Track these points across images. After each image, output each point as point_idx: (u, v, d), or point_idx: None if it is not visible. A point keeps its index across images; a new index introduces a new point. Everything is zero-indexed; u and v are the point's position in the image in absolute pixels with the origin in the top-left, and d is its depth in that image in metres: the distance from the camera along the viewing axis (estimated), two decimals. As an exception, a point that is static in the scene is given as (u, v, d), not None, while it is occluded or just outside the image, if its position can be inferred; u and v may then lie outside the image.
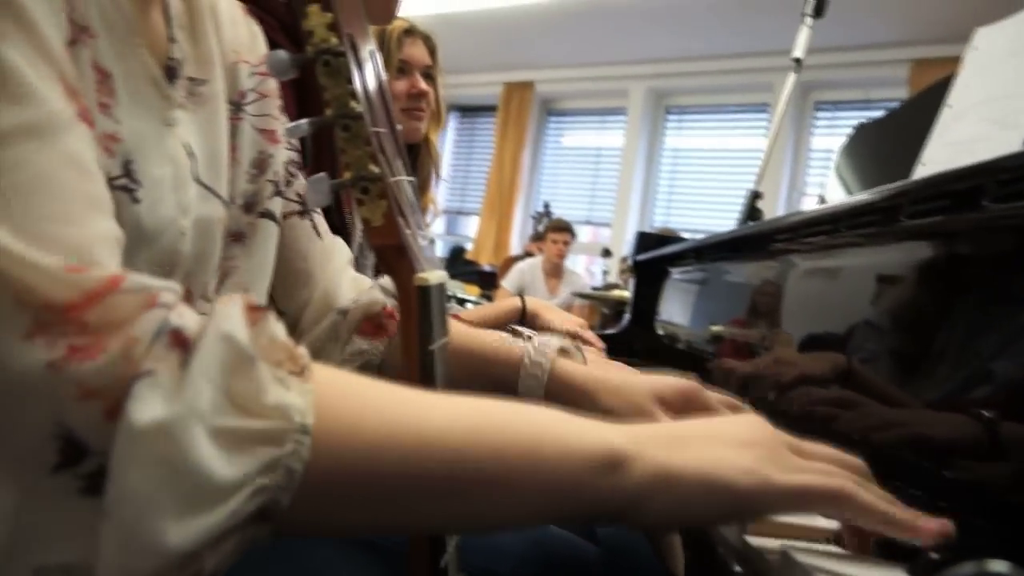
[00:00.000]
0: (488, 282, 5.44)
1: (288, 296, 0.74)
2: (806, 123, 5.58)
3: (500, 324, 1.20)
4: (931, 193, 0.65)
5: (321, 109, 0.44)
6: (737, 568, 0.59)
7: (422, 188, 1.55)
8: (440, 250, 6.91)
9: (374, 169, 0.43)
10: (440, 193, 5.02)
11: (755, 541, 0.57)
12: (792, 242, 0.95)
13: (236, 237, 0.67)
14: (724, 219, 5.91)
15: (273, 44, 0.86)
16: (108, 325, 0.33)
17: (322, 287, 0.75)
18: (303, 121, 0.43)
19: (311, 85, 0.44)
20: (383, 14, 1.01)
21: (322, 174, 0.43)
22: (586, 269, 6.79)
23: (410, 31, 1.54)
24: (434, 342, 0.46)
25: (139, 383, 0.32)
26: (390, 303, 0.73)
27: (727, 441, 0.43)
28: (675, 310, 1.46)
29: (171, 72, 0.59)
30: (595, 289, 5.18)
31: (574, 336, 1.19)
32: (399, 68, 1.50)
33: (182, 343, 0.34)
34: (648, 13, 5.11)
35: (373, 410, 0.37)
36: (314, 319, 0.74)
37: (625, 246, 6.09)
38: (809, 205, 5.84)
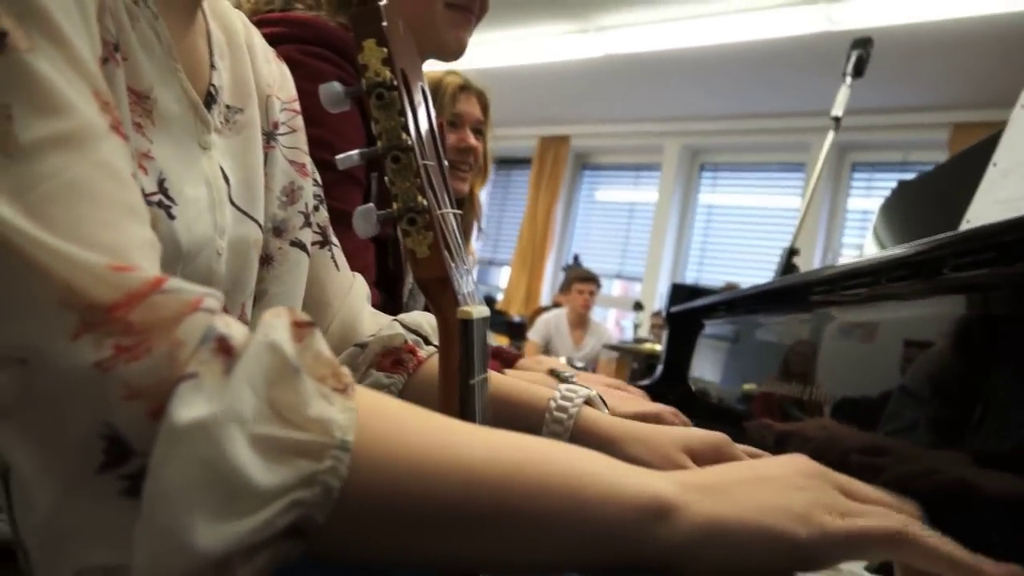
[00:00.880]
0: (518, 333, 5.44)
1: None
2: (843, 183, 5.57)
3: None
4: (977, 245, 0.64)
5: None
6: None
7: (465, 240, 1.57)
8: (471, 299, 6.91)
9: (422, 201, 0.43)
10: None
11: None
12: (831, 294, 0.94)
13: (264, 260, 0.69)
14: (757, 277, 5.87)
15: (343, 83, 0.88)
16: (153, 325, 0.33)
17: (340, 319, 0.76)
18: (354, 152, 0.43)
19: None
20: (455, 48, 1.04)
21: (370, 204, 0.44)
22: (616, 323, 6.76)
23: (465, 87, 1.58)
24: (474, 376, 0.45)
25: (183, 385, 0.32)
26: (410, 339, 0.72)
27: (776, 485, 0.41)
28: (708, 365, 1.44)
29: (210, 97, 0.61)
30: (625, 343, 5.15)
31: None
32: (451, 122, 1.53)
33: (227, 350, 0.34)
34: (684, 71, 5.17)
35: (414, 434, 0.37)
36: (333, 350, 0.74)
37: (657, 301, 6.06)
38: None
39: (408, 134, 0.43)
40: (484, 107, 1.60)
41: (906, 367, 0.74)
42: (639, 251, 6.53)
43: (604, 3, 4.42)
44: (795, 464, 0.43)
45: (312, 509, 0.33)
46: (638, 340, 3.85)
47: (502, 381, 0.72)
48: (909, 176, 4.46)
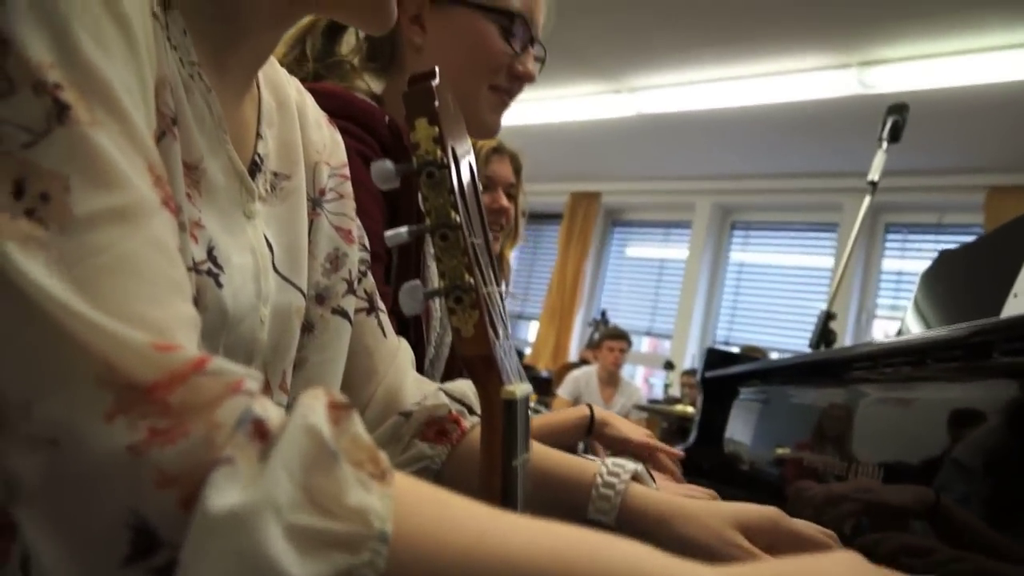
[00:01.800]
0: (545, 388, 5.40)
1: (350, 393, 0.73)
2: (877, 244, 5.52)
3: (568, 432, 1.18)
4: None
5: (412, 218, 0.44)
6: None
7: None
8: (499, 353, 6.90)
9: (469, 279, 0.43)
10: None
11: None
12: (872, 371, 0.92)
13: (307, 328, 0.68)
14: (788, 336, 5.80)
15: (362, 156, 0.90)
16: (191, 408, 0.33)
17: (385, 386, 0.75)
18: (403, 229, 0.43)
19: (404, 194, 0.45)
20: (491, 130, 1.06)
21: (416, 282, 0.43)
22: (645, 380, 6.69)
23: (498, 149, 1.60)
24: (517, 457, 0.45)
25: (218, 471, 0.31)
26: (455, 408, 0.72)
27: None
28: (743, 430, 1.41)
29: (255, 166, 0.62)
30: (655, 402, 5.09)
31: (650, 448, 1.15)
32: (484, 184, 1.55)
33: (263, 434, 0.33)
34: (716, 131, 5.20)
35: (452, 523, 0.35)
36: (375, 419, 0.74)
37: (687, 359, 6.00)
38: (879, 327, 5.70)
39: (457, 212, 0.43)
40: (516, 169, 1.62)
41: (954, 440, 0.71)
42: (669, 308, 6.50)
43: (637, 65, 4.49)
44: (848, 562, 0.42)
45: None
46: (669, 399, 3.79)
47: (547, 453, 0.70)
48: (944, 239, 4.41)
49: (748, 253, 6.42)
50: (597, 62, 4.41)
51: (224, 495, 0.30)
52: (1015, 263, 0.93)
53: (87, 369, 0.33)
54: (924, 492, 0.74)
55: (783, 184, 5.80)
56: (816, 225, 5.91)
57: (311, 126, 0.72)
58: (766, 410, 1.34)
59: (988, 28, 3.46)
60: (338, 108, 0.91)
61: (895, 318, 5.61)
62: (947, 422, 0.73)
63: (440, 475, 0.70)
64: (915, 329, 1.16)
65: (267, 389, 0.62)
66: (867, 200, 1.96)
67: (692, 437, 1.51)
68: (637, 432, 1.17)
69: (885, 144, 1.94)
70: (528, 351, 6.98)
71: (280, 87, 0.69)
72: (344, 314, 0.71)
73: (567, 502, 0.66)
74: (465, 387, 0.74)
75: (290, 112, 0.69)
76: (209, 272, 0.53)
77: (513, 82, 1.03)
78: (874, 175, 1.95)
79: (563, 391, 4.78)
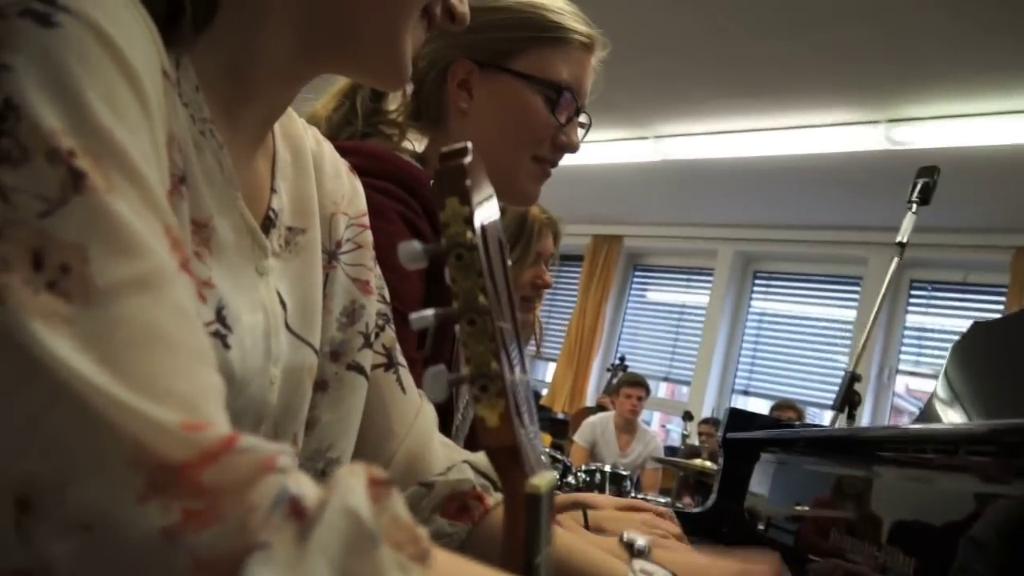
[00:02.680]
0: (560, 431, 5.35)
1: (365, 453, 0.71)
2: (901, 300, 5.46)
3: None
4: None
5: (447, 298, 0.43)
6: None
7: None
8: (514, 393, 6.87)
9: (495, 367, 0.41)
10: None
11: None
12: (900, 453, 0.89)
13: (320, 385, 0.66)
14: (808, 388, 5.73)
15: (414, 229, 0.89)
16: (225, 488, 0.31)
17: (405, 448, 0.72)
18: (429, 312, 0.42)
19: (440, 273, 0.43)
20: (531, 199, 1.06)
21: (440, 367, 0.42)
22: (662, 426, 6.61)
23: (548, 223, 1.59)
24: (540, 553, 0.42)
25: (254, 557, 0.30)
26: (479, 484, 0.69)
27: None
28: (764, 492, 1.38)
29: (269, 222, 0.60)
30: (672, 450, 5.02)
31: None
32: (532, 258, 1.53)
33: (300, 513, 0.32)
34: (741, 180, 5.19)
35: None
36: (397, 482, 0.71)
37: (706, 407, 5.93)
38: (901, 383, 5.61)
39: (486, 296, 0.42)
40: (556, 238, 1.61)
41: (973, 518, 0.69)
42: (688, 355, 6.44)
43: (664, 112, 4.50)
44: None
45: None
46: (688, 449, 3.72)
47: (574, 549, 0.67)
48: (969, 297, 4.35)
49: (769, 302, 6.37)
50: (624, 108, 4.42)
51: None
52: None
53: (119, 451, 0.32)
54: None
55: (807, 236, 5.77)
56: (839, 277, 5.86)
57: (328, 176, 0.70)
58: (787, 475, 1.31)
59: (1017, 90, 3.44)
60: (382, 169, 0.90)
61: (918, 374, 5.52)
62: (975, 515, 0.70)
63: (461, 551, 0.67)
64: (946, 406, 1.13)
65: None
66: (895, 262, 1.93)
67: (711, 499, 1.47)
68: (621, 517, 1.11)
69: (915, 206, 1.91)
70: (545, 392, 6.93)
71: (296, 137, 0.68)
72: (360, 369, 0.69)
73: None
74: None
75: (306, 163, 0.67)
76: (216, 333, 0.52)
77: (556, 152, 1.03)
78: (903, 236, 1.92)
79: (579, 438, 4.73)
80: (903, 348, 5.46)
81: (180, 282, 0.39)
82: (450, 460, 0.73)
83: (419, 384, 0.84)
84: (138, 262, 0.36)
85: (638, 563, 0.68)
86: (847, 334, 5.62)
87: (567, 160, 1.07)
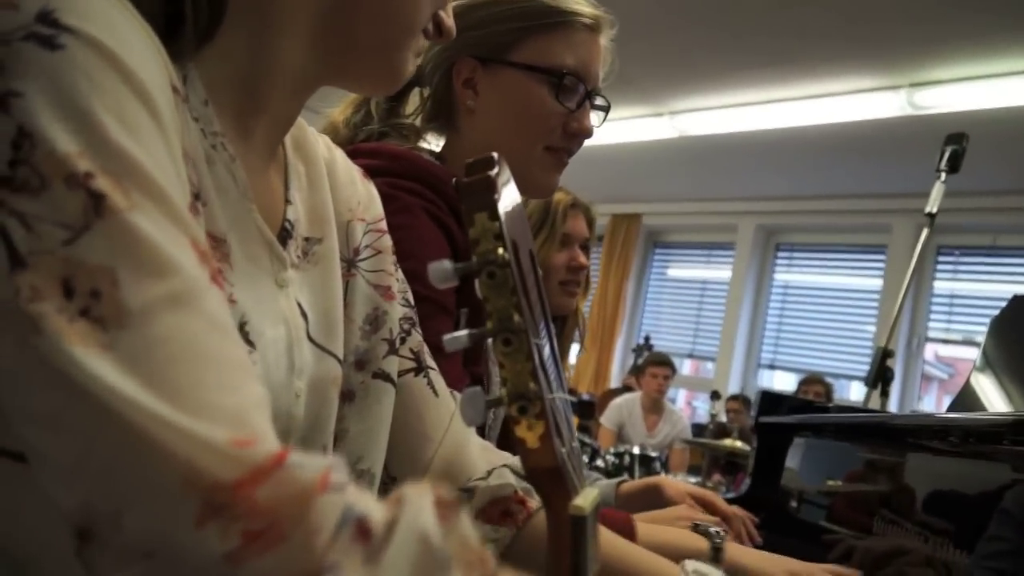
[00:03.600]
0: (586, 412, 5.34)
1: (401, 461, 0.70)
2: (928, 267, 5.37)
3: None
4: None
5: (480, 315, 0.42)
6: None
7: (562, 355, 1.54)
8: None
9: (533, 387, 0.40)
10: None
11: None
12: (940, 442, 0.87)
13: (347, 396, 0.65)
14: (834, 358, 5.67)
15: (442, 225, 0.88)
16: (282, 507, 0.31)
17: (442, 453, 0.71)
18: (463, 333, 0.41)
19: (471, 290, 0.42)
20: (547, 190, 1.05)
21: (477, 388, 0.41)
22: (688, 403, 6.58)
23: (574, 204, 1.58)
24: (587, 573, 0.41)
25: None
26: (520, 487, 0.68)
27: None
28: (794, 468, 1.36)
29: (285, 233, 0.60)
30: (699, 427, 5.00)
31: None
32: (561, 240, 1.53)
33: (367, 535, 0.31)
34: (760, 153, 5.12)
35: None
36: None
37: (731, 382, 5.90)
38: (931, 350, 5.54)
39: (520, 314, 0.40)
40: (590, 223, 1.60)
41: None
42: (712, 330, 6.40)
43: (680, 88, 4.44)
44: None
45: None
46: (718, 427, 3.69)
47: (626, 552, 0.67)
48: (998, 260, 4.27)
49: (793, 274, 6.30)
50: (640, 85, 4.37)
51: None
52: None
53: (172, 473, 0.31)
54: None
55: (829, 205, 5.69)
56: (864, 247, 5.78)
57: (342, 183, 0.69)
58: (820, 451, 1.29)
59: (1044, 47, 3.36)
60: (405, 169, 0.90)
61: (948, 341, 5.45)
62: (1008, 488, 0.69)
63: (504, 558, 0.66)
64: (987, 386, 1.10)
65: None
66: (925, 232, 1.90)
67: (745, 486, 1.46)
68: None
69: (943, 175, 1.87)
70: (569, 374, 6.92)
71: (307, 146, 0.67)
72: (387, 377, 0.68)
73: None
74: None
75: (319, 172, 0.67)
76: None
77: (570, 140, 1.01)
78: (932, 207, 1.88)
79: (606, 420, 4.72)
80: (932, 315, 5.38)
81: (212, 294, 0.39)
82: (489, 463, 0.72)
83: (455, 375, 0.83)
84: (168, 279, 0.36)
85: (690, 564, 0.66)
86: (873, 303, 5.55)
87: (584, 141, 1.05)
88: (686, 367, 6.63)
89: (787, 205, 5.96)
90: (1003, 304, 1.17)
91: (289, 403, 0.56)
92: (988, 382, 1.09)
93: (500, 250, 0.40)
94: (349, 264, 0.68)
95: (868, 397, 1.77)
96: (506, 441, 1.06)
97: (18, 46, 0.36)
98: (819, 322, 5.96)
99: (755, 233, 6.19)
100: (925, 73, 3.74)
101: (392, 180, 0.88)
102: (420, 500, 0.33)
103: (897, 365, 5.08)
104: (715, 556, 0.82)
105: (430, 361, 0.75)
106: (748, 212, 6.17)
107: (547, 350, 0.43)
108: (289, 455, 0.33)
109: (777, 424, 1.41)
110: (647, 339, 6.10)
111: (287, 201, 0.61)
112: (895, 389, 5.12)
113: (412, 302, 0.75)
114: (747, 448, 3.16)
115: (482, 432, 1.03)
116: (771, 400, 1.46)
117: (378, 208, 0.74)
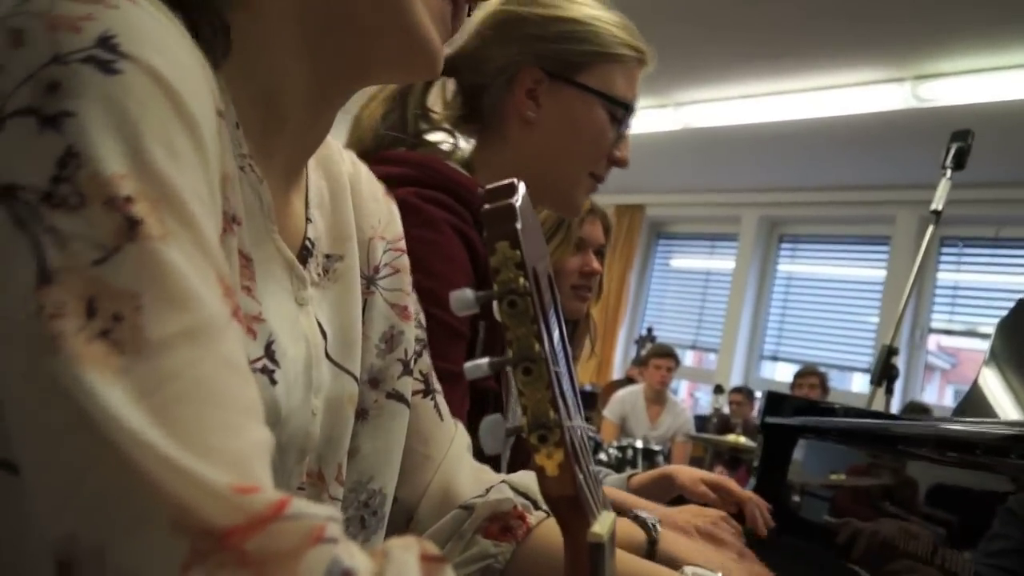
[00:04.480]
0: (588, 403, 5.35)
1: (405, 481, 0.70)
2: (931, 258, 5.36)
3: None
4: None
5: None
6: None
7: (574, 359, 1.53)
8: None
9: (553, 416, 0.40)
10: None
11: None
12: (945, 451, 0.88)
13: (360, 414, 0.65)
14: (837, 349, 5.68)
15: (465, 239, 0.88)
16: (270, 559, 0.30)
17: (441, 474, 0.72)
18: (483, 361, 0.41)
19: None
20: (579, 211, 1.09)
21: (497, 416, 0.41)
22: (690, 394, 6.60)
23: (591, 210, 1.58)
24: (604, 601, 0.42)
25: None
26: (519, 503, 0.69)
27: None
28: (799, 459, 1.37)
29: (306, 251, 0.60)
30: (702, 419, 5.01)
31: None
32: (576, 244, 1.53)
33: None
34: (764, 145, 5.11)
35: None
36: (433, 510, 0.71)
37: (734, 373, 5.91)
38: (933, 341, 5.53)
39: (540, 343, 0.41)
40: (607, 229, 1.60)
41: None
42: (715, 321, 6.40)
43: (684, 80, 4.43)
44: None
45: None
46: (720, 419, 3.69)
47: (630, 565, 0.67)
48: (1001, 252, 4.26)
49: (796, 265, 6.30)
50: (644, 76, 4.35)
51: None
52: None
53: (162, 513, 0.31)
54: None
55: (833, 197, 5.68)
56: (867, 238, 5.78)
57: (366, 199, 0.69)
58: (823, 447, 1.30)
59: (1050, 40, 3.34)
60: (430, 178, 0.89)
61: (951, 332, 5.46)
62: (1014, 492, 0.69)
63: (504, 574, 0.67)
64: (996, 392, 1.10)
65: (321, 482, 0.60)
66: (930, 229, 1.90)
67: (751, 486, 1.46)
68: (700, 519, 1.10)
69: (949, 172, 1.87)
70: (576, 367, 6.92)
71: (331, 162, 0.67)
72: (401, 398, 0.68)
73: None
74: (530, 480, 0.71)
75: (342, 188, 0.66)
76: (264, 369, 0.51)
77: (607, 168, 1.03)
78: (938, 204, 1.88)
79: (609, 413, 4.74)
80: (935, 306, 5.39)
81: (231, 332, 0.38)
82: (481, 482, 0.73)
83: (459, 399, 0.83)
84: (191, 313, 0.36)
85: (690, 569, 0.67)
86: (876, 294, 5.55)
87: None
88: (689, 358, 6.63)
89: (790, 196, 5.95)
90: (1006, 295, 1.18)
91: (306, 421, 0.56)
92: (998, 388, 1.09)
93: (521, 279, 0.41)
94: (368, 281, 0.68)
95: (873, 395, 1.77)
96: (520, 448, 1.07)
97: (76, 67, 0.36)
98: (822, 313, 5.96)
99: (758, 224, 6.19)
100: (929, 66, 3.73)
101: (419, 191, 0.87)
102: (405, 555, 0.33)
103: (900, 356, 5.09)
104: (650, 549, 0.83)
105: (437, 384, 0.75)
106: (751, 203, 6.16)
107: (566, 378, 0.44)
108: (289, 505, 0.32)
109: (782, 425, 1.41)
110: (650, 330, 6.11)
111: (308, 219, 0.61)
112: (898, 380, 5.13)
113: (424, 323, 0.75)
114: (751, 444, 3.17)
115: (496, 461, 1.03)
116: (776, 400, 1.46)
117: (398, 227, 0.73)
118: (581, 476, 0.42)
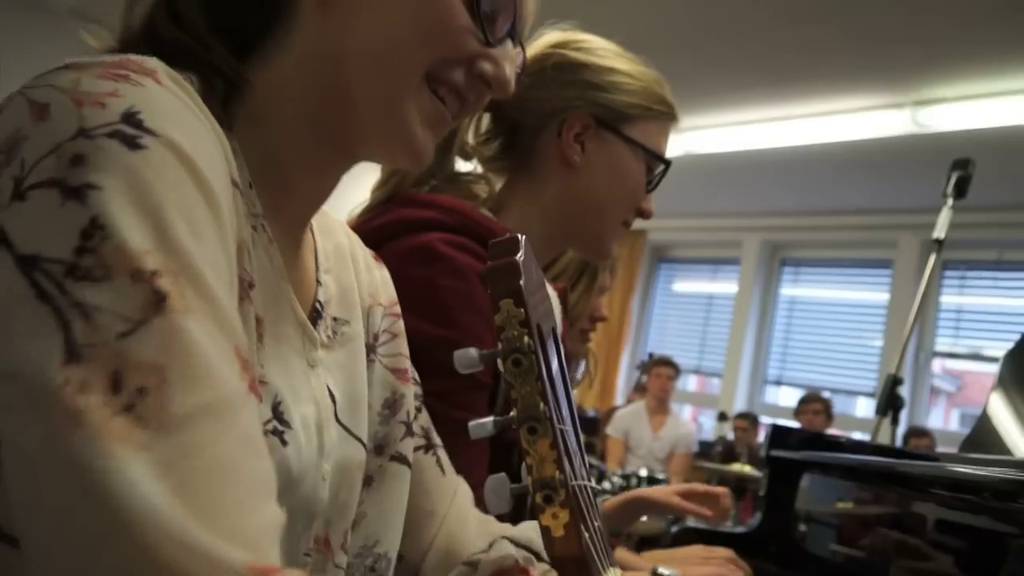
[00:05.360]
0: (590, 428, 5.33)
1: (408, 538, 0.70)
2: (934, 282, 5.36)
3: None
4: None
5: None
6: None
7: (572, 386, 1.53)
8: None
9: (559, 476, 0.40)
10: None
11: None
12: (956, 493, 0.87)
13: (365, 481, 0.65)
14: (841, 374, 5.66)
15: (484, 281, 0.87)
16: None
17: (446, 530, 0.72)
18: (488, 420, 0.41)
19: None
20: (608, 257, 1.08)
21: (502, 475, 0.41)
22: (694, 419, 6.56)
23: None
24: (611, 661, 0.41)
25: None
26: (521, 557, 0.68)
27: None
28: (804, 487, 1.36)
29: (316, 313, 0.60)
30: (705, 444, 4.99)
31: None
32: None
33: None
34: (765, 170, 5.13)
35: None
36: (437, 566, 0.70)
37: (737, 398, 5.88)
38: (938, 365, 5.50)
39: (546, 402, 0.41)
40: (612, 272, 1.61)
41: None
42: (717, 346, 6.38)
43: (685, 106, 4.41)
44: None
45: None
46: (725, 446, 3.67)
47: None
48: (1004, 275, 4.24)
49: (799, 289, 6.29)
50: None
51: None
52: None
53: None
54: None
55: (834, 221, 5.69)
56: (869, 261, 5.78)
57: (362, 269, 0.70)
58: (832, 486, 1.29)
59: (1049, 66, 3.36)
60: (458, 223, 0.89)
61: (954, 355, 5.44)
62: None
63: None
64: (1005, 424, 1.10)
65: (328, 549, 0.59)
66: (932, 258, 1.89)
67: (757, 519, 1.45)
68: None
69: (951, 200, 1.87)
70: (574, 391, 6.89)
71: (331, 232, 0.68)
72: (403, 459, 0.68)
73: None
74: (532, 532, 0.71)
75: (344, 255, 0.67)
76: (274, 431, 0.51)
77: (635, 218, 1.05)
78: (940, 233, 1.88)
79: (612, 430, 4.73)
80: (939, 330, 5.37)
81: (249, 407, 0.39)
82: (489, 535, 0.72)
83: (478, 454, 0.82)
84: (211, 388, 0.36)
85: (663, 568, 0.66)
86: (879, 317, 5.54)
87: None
88: (692, 383, 6.60)
89: (792, 221, 5.96)
90: (1009, 318, 1.17)
91: (316, 485, 0.56)
92: (1007, 421, 1.09)
93: (526, 338, 0.41)
94: (369, 350, 0.68)
95: (878, 427, 1.76)
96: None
97: (101, 142, 0.37)
98: (826, 337, 5.95)
99: (760, 248, 6.19)
100: (929, 92, 3.75)
101: (445, 236, 0.86)
102: None
103: (905, 380, 5.07)
104: None
105: (437, 439, 0.75)
106: (753, 228, 6.16)
107: (571, 435, 0.43)
108: None
109: (787, 460, 1.40)
110: (651, 356, 6.10)
111: (318, 282, 0.62)
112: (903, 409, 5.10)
113: (420, 380, 0.74)
114: (755, 473, 3.14)
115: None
116: (781, 434, 1.45)
117: (392, 291, 0.74)
118: (587, 535, 0.42)
